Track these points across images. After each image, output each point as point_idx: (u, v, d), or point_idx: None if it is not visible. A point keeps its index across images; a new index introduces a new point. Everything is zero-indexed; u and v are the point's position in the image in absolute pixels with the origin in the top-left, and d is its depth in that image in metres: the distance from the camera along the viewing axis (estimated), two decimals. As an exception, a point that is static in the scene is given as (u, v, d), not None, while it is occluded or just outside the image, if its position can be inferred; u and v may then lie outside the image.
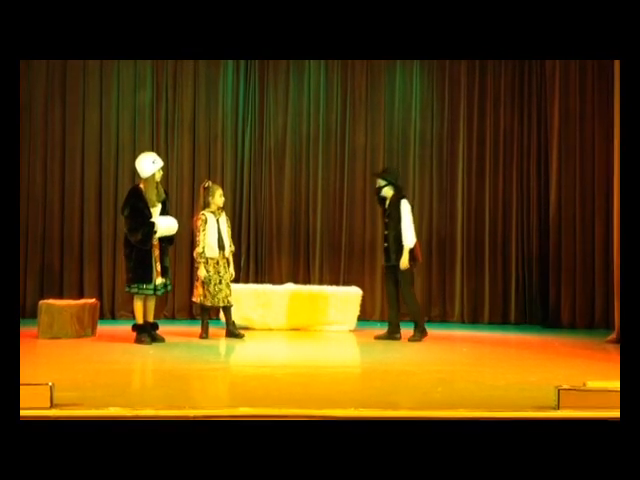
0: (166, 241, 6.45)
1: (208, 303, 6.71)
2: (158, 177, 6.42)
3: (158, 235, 6.32)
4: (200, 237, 6.67)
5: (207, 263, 6.66)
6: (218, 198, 6.78)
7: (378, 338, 6.91)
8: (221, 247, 6.72)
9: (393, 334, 6.87)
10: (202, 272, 6.65)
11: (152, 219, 6.30)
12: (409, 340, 6.76)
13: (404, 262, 6.73)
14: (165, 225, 6.37)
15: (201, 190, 6.90)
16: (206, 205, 6.78)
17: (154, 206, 6.35)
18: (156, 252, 6.34)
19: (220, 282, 6.69)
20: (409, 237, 6.76)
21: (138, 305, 6.40)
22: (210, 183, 6.94)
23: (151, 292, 6.36)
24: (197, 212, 6.89)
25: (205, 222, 6.68)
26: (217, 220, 6.76)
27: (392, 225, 6.83)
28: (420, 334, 6.81)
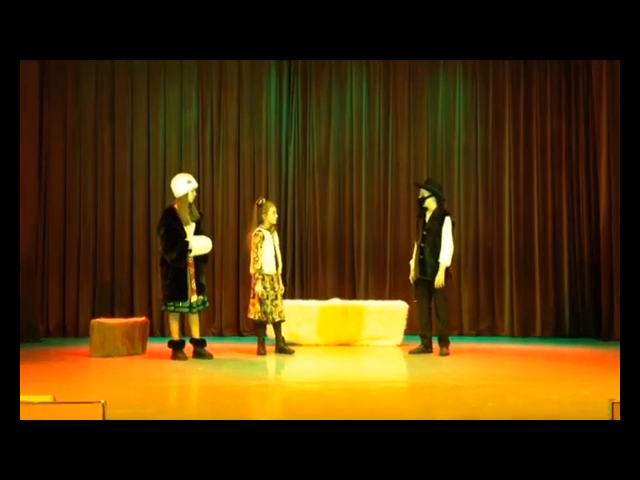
0: (200, 260, 6.55)
1: (265, 319, 6.75)
2: (191, 197, 6.53)
3: (192, 254, 6.43)
4: (258, 254, 6.71)
5: (264, 280, 6.73)
6: (271, 216, 6.82)
7: (412, 353, 6.88)
8: (276, 264, 6.80)
9: (428, 348, 6.84)
10: (259, 288, 6.69)
11: (186, 238, 6.41)
12: (441, 355, 6.71)
13: (440, 280, 6.70)
14: (199, 245, 6.48)
15: (254, 207, 6.93)
16: (260, 222, 6.81)
17: (187, 224, 6.46)
18: (191, 270, 6.44)
19: (276, 298, 6.76)
20: (446, 255, 6.72)
21: (173, 323, 6.54)
22: (264, 200, 6.97)
23: (187, 310, 6.46)
24: (251, 229, 6.93)
25: (262, 239, 6.73)
26: (272, 237, 6.83)
27: (430, 239, 6.78)
28: (448, 348, 6.77)
